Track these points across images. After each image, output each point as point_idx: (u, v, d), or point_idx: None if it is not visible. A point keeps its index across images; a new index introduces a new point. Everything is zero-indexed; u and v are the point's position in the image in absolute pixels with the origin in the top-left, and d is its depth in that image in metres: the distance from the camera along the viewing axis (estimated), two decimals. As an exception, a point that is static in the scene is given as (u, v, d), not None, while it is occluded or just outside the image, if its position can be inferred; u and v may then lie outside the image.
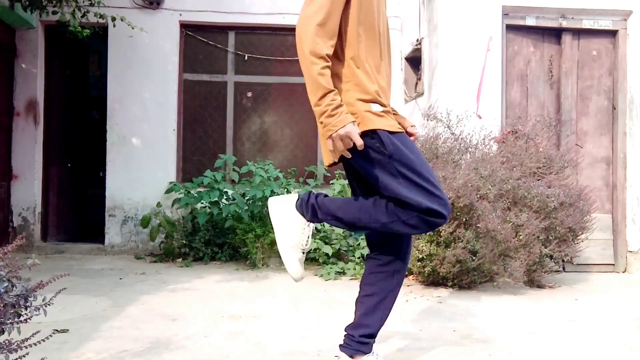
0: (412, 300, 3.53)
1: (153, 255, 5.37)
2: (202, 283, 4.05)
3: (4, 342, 1.52)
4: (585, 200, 4.10)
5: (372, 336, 2.04)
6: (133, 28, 5.09)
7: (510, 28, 4.89)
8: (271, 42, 5.94)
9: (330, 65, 1.80)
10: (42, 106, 5.67)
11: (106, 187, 5.62)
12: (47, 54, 5.73)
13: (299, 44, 1.80)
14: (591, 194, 4.32)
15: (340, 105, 1.76)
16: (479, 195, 3.71)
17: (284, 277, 4.31)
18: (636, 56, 4.88)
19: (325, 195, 2.04)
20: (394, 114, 2.15)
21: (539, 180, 4.07)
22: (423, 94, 5.16)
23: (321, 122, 1.78)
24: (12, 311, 1.48)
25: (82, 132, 6.53)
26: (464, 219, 3.69)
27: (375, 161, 1.85)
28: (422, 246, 3.70)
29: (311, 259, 4.82)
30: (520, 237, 3.74)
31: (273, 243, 4.75)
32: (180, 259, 5.06)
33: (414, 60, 5.47)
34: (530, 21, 4.89)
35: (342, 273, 4.41)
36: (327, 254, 4.70)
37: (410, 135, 2.18)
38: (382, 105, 1.90)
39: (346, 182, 4.77)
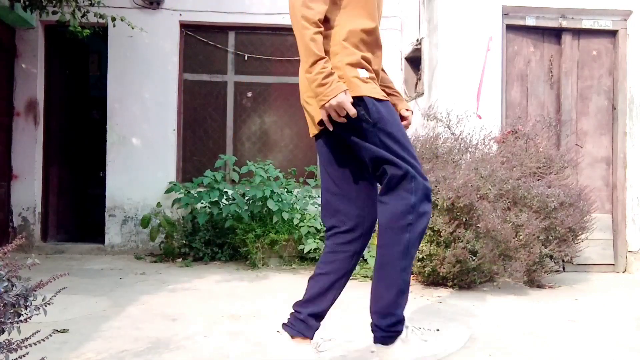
0: (412, 300, 3.53)
1: (153, 255, 5.37)
2: (202, 283, 4.05)
3: (3, 341, 1.52)
4: (585, 200, 4.10)
5: (320, 316, 2.02)
6: (133, 28, 5.09)
7: (510, 28, 4.89)
8: (271, 42, 5.94)
9: (323, 30, 1.81)
10: (42, 106, 5.67)
11: (106, 187, 5.62)
12: (47, 54, 5.73)
13: (291, 9, 1.81)
14: (591, 194, 4.32)
15: (331, 74, 1.75)
16: (479, 195, 3.71)
17: (284, 277, 4.31)
18: (636, 56, 4.88)
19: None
20: (390, 93, 2.16)
21: (539, 180, 4.07)
22: (423, 94, 5.16)
23: (314, 92, 1.79)
24: (12, 311, 1.48)
25: (82, 132, 6.53)
26: (464, 219, 3.69)
27: (359, 129, 1.84)
28: (422, 246, 3.70)
29: (311, 259, 4.82)
30: (520, 237, 3.74)
31: (273, 243, 4.75)
32: (180, 259, 5.06)
33: (414, 60, 5.47)
34: (530, 21, 4.89)
35: (342, 273, 4.40)
36: (327, 254, 4.69)
37: (404, 119, 2.18)
38: (369, 71, 1.90)
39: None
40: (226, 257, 5.08)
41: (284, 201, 4.97)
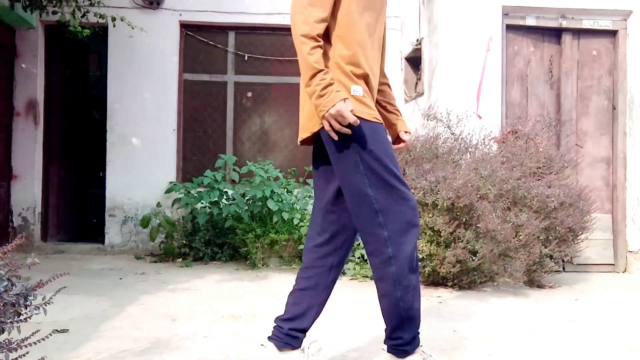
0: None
1: (153, 255, 5.37)
2: (202, 283, 4.05)
3: (3, 341, 1.52)
4: (585, 200, 4.10)
5: (303, 331, 1.98)
6: (133, 28, 5.09)
7: (510, 28, 4.89)
8: (271, 42, 5.94)
9: (322, 44, 1.79)
10: (42, 106, 5.67)
11: (106, 187, 5.62)
12: (47, 54, 5.73)
13: (292, 24, 1.81)
14: (591, 194, 4.32)
15: (329, 84, 1.74)
16: (479, 195, 3.71)
17: (283, 277, 4.31)
18: (636, 56, 4.88)
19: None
20: (391, 111, 2.12)
21: (539, 180, 4.07)
22: (423, 94, 5.16)
23: (314, 104, 1.76)
24: (11, 310, 1.48)
25: (82, 132, 6.53)
26: (464, 219, 3.69)
27: (344, 147, 1.80)
28: (422, 246, 3.70)
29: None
30: (520, 237, 3.74)
31: (273, 243, 4.75)
32: (180, 259, 5.06)
33: (414, 60, 5.47)
34: (530, 21, 4.89)
35: (342, 273, 4.40)
36: (327, 254, 4.69)
37: (401, 141, 2.13)
38: (365, 88, 1.86)
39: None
40: (226, 257, 5.08)
41: (284, 201, 4.97)
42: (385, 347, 1.96)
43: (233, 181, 5.34)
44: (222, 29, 5.86)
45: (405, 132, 2.13)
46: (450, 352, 2.47)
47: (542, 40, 4.99)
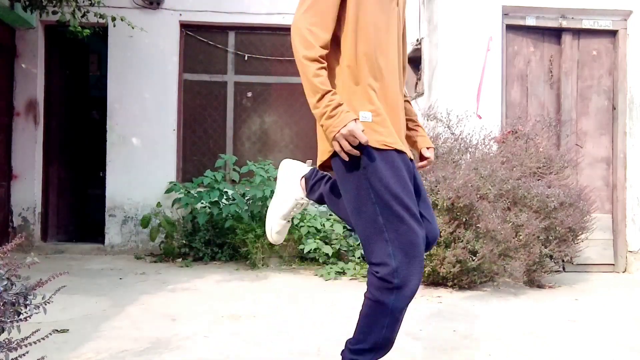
0: (412, 300, 3.53)
1: (153, 255, 5.37)
2: (202, 283, 4.05)
3: (3, 340, 1.52)
4: (585, 200, 4.10)
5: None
6: (133, 28, 5.09)
7: (510, 28, 4.89)
8: (271, 42, 5.94)
9: (326, 65, 1.73)
10: (42, 106, 5.67)
11: (106, 187, 5.62)
12: (47, 54, 5.73)
13: (293, 46, 1.74)
14: (591, 194, 4.32)
15: (339, 105, 1.68)
16: (479, 195, 3.71)
17: (284, 277, 4.31)
18: (636, 56, 4.88)
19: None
20: (412, 128, 2.02)
21: (539, 180, 4.07)
22: (423, 94, 5.16)
23: (322, 125, 1.69)
24: (11, 310, 1.48)
25: (82, 132, 6.53)
26: (464, 219, 3.69)
27: (350, 175, 1.73)
28: (422, 246, 3.69)
29: (311, 259, 4.82)
30: (520, 237, 3.74)
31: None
32: (180, 259, 5.06)
33: (414, 60, 5.47)
34: (530, 21, 4.89)
35: (342, 273, 4.40)
36: (327, 254, 4.70)
37: (425, 158, 2.02)
38: (374, 111, 1.76)
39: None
40: (226, 257, 5.08)
41: (284, 201, 4.96)
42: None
43: (233, 181, 5.34)
44: (222, 29, 5.86)
45: (428, 147, 2.03)
46: (450, 352, 2.46)
47: (542, 40, 4.99)
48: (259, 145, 5.96)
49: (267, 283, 4.13)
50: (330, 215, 5.03)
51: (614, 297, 3.84)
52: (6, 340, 1.51)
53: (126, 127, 5.63)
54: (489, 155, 4.08)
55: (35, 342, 1.59)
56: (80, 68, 6.50)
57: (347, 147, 1.67)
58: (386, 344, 1.79)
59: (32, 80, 5.60)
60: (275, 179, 5.12)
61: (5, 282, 1.47)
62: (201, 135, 5.87)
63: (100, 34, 5.60)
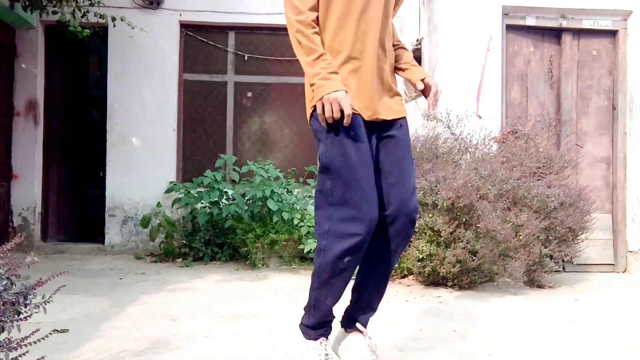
0: (412, 300, 3.53)
1: (153, 255, 5.37)
2: (202, 283, 4.05)
3: (3, 340, 1.52)
4: (585, 200, 4.10)
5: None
6: (133, 28, 5.09)
7: (510, 28, 4.89)
8: (271, 42, 5.94)
9: (318, 30, 1.83)
10: (42, 106, 5.67)
11: (106, 187, 5.62)
12: (47, 54, 5.73)
13: (285, 16, 1.86)
14: (591, 194, 4.32)
15: (335, 72, 1.77)
16: (479, 195, 3.71)
17: (284, 277, 4.31)
18: (636, 56, 4.88)
19: None
20: (405, 68, 2.06)
21: (539, 180, 4.07)
22: (423, 94, 5.15)
23: (313, 84, 1.77)
24: (11, 309, 1.47)
25: (82, 132, 6.53)
26: (464, 219, 3.69)
27: (318, 141, 1.88)
28: (422, 246, 3.70)
29: (311, 259, 4.82)
30: (520, 237, 3.74)
31: (273, 243, 4.75)
32: (180, 259, 5.06)
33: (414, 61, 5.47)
34: (530, 21, 4.89)
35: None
36: (327, 254, 4.69)
37: (426, 88, 2.00)
38: (353, 65, 1.85)
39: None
40: (226, 257, 5.08)
41: (284, 201, 4.97)
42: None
43: (233, 181, 5.34)
44: (222, 29, 5.86)
45: (422, 79, 2.01)
46: (450, 352, 2.46)
47: (542, 40, 4.99)
48: (259, 145, 5.96)
49: (267, 283, 4.12)
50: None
51: (614, 297, 3.84)
52: (6, 340, 1.51)
53: (126, 127, 5.63)
54: (489, 155, 4.08)
55: (35, 342, 1.59)
56: (80, 68, 6.50)
57: (328, 112, 1.75)
58: (318, 308, 1.95)
59: (32, 80, 5.60)
60: (275, 179, 5.12)
61: (5, 282, 1.47)
62: (201, 135, 5.87)
63: (100, 34, 5.60)
